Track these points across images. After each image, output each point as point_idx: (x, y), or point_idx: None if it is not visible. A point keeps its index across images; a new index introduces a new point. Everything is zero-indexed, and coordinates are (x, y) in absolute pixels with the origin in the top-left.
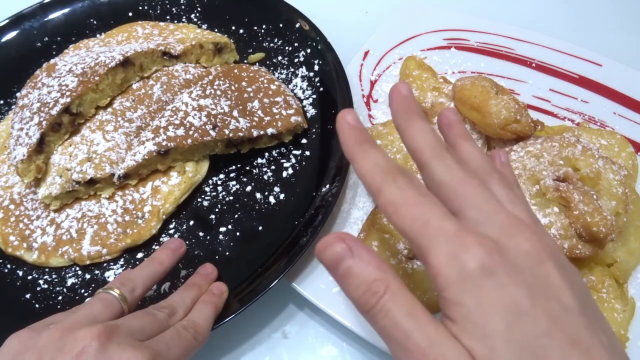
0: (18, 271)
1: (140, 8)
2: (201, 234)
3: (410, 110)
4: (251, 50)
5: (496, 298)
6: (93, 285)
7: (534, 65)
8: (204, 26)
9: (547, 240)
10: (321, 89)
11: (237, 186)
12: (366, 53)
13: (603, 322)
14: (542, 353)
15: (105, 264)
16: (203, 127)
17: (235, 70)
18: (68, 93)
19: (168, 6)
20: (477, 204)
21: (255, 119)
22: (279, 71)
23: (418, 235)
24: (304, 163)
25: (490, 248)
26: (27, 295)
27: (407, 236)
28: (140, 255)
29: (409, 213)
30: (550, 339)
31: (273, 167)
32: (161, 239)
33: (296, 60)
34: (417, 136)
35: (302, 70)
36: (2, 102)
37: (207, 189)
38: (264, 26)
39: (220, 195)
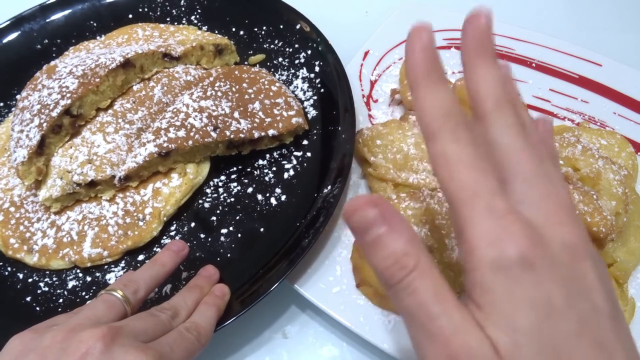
0: (18, 274)
1: (140, 10)
2: (202, 235)
3: (484, 48)
4: (252, 52)
5: (530, 292)
6: (94, 287)
7: (534, 65)
8: (205, 28)
9: (587, 236)
10: (322, 90)
11: (238, 188)
12: (366, 53)
13: (625, 325)
14: (567, 354)
15: (106, 267)
16: (204, 128)
17: (236, 72)
18: (68, 95)
19: (168, 8)
20: (530, 180)
21: (256, 120)
22: (279, 72)
23: (463, 202)
24: (305, 164)
25: (534, 240)
26: (28, 298)
27: (450, 198)
28: (141, 257)
29: (461, 176)
30: (578, 340)
31: (274, 169)
32: (162, 241)
33: (297, 61)
34: (483, 80)
35: (303, 72)
36: (2, 104)
37: (208, 190)
38: (264, 27)
39: (222, 196)
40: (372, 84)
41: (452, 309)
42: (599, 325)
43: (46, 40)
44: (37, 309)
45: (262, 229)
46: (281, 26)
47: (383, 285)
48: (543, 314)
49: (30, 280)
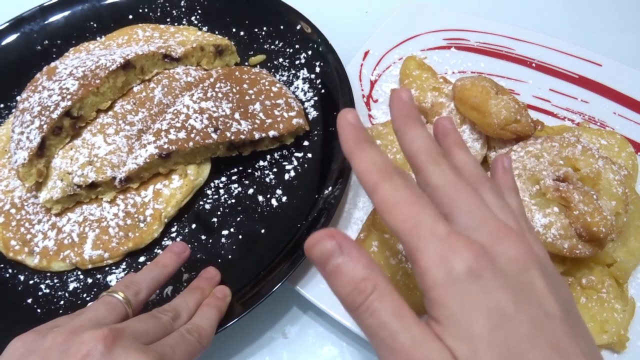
0: (19, 276)
1: (140, 11)
2: (203, 237)
3: (409, 115)
4: (252, 53)
5: (481, 301)
6: (95, 289)
7: (534, 65)
8: (205, 28)
9: (535, 249)
10: (323, 90)
11: (239, 189)
12: (366, 53)
13: (585, 330)
14: (524, 357)
15: (107, 268)
16: (204, 129)
17: (237, 73)
18: (69, 96)
19: (168, 9)
20: (468, 210)
21: (257, 121)
22: (280, 73)
23: (409, 234)
24: (306, 165)
25: (478, 252)
26: (29, 300)
27: (399, 235)
28: (142, 259)
29: (402, 212)
30: (532, 344)
31: (275, 170)
32: (163, 243)
33: (297, 62)
34: (414, 141)
35: (304, 72)
36: (2, 105)
37: (209, 192)
38: (264, 28)
39: (222, 198)
40: (372, 84)
41: (412, 325)
42: (553, 329)
43: (46, 41)
44: (39, 310)
45: (263, 230)
46: (282, 27)
47: (347, 311)
48: (496, 321)
49: (31, 282)
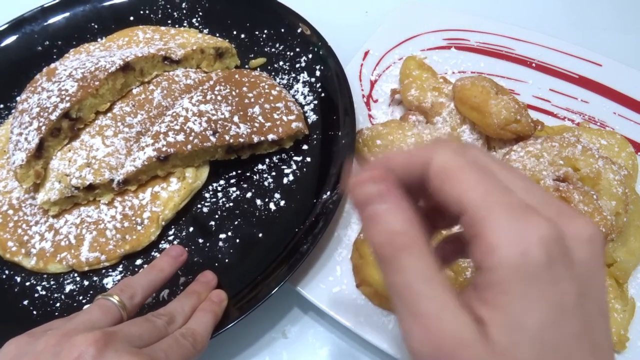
0: (16, 277)
1: (141, 12)
2: (201, 240)
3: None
4: (252, 55)
5: (546, 293)
6: (91, 292)
7: (534, 65)
8: (206, 31)
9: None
10: (323, 94)
11: (237, 192)
12: (366, 53)
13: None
14: (566, 356)
15: (103, 271)
16: (203, 132)
17: (236, 76)
18: (68, 98)
19: (169, 10)
20: (526, 187)
21: (256, 124)
22: (280, 76)
23: (477, 204)
24: (304, 169)
25: (558, 235)
26: (25, 302)
27: (462, 205)
28: (139, 261)
29: (469, 178)
30: (578, 343)
31: (274, 173)
32: (160, 246)
33: (297, 65)
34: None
35: (304, 76)
36: (2, 106)
37: (207, 195)
38: (265, 31)
39: (220, 201)
40: (372, 84)
41: (441, 293)
42: (599, 328)
43: (47, 42)
44: (34, 312)
45: (260, 235)
46: (282, 29)
47: (377, 260)
48: (553, 316)
49: (27, 283)
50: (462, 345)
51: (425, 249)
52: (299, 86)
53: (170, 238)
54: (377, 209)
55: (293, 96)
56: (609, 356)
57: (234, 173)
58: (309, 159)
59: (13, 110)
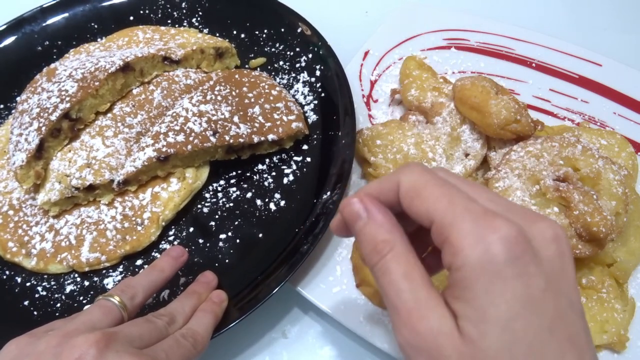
0: (17, 277)
1: (141, 12)
2: (201, 241)
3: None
4: (252, 55)
5: (511, 286)
6: (92, 292)
7: (534, 65)
8: (205, 31)
9: (565, 231)
10: (323, 94)
11: (238, 192)
12: (366, 53)
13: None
14: (539, 348)
15: (104, 271)
16: (203, 133)
17: (236, 76)
18: (68, 98)
19: (169, 10)
20: (490, 198)
21: (256, 124)
22: (280, 76)
23: (442, 213)
24: (305, 169)
25: (517, 232)
26: (26, 302)
27: (430, 217)
28: (139, 262)
29: (434, 192)
30: (552, 335)
31: (274, 174)
32: (160, 246)
33: (298, 65)
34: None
35: (304, 76)
36: (2, 106)
37: (207, 195)
38: (265, 31)
39: (221, 201)
40: (372, 84)
41: (419, 288)
42: (573, 322)
43: (47, 42)
44: (35, 313)
45: (260, 235)
46: (282, 29)
47: (368, 267)
48: (519, 308)
49: (28, 284)
50: (440, 334)
51: (406, 251)
52: (299, 86)
53: (171, 238)
54: (361, 223)
55: (293, 96)
56: (588, 350)
57: (234, 173)
58: (309, 159)
59: (13, 111)
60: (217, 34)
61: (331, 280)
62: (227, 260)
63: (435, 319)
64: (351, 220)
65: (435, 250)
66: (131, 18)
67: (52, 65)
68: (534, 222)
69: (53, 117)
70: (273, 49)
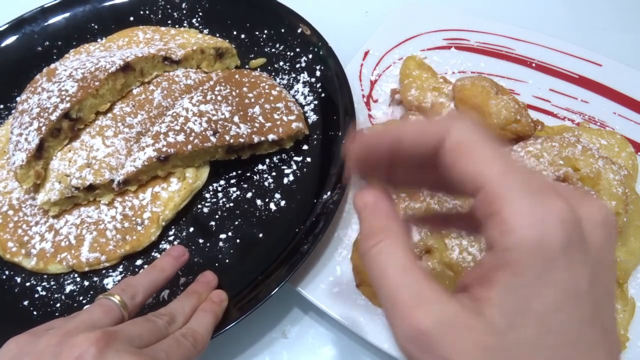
0: (16, 277)
1: (141, 12)
2: (201, 240)
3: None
4: (252, 56)
5: (560, 276)
6: (91, 292)
7: (534, 65)
8: (206, 31)
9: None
10: (323, 94)
11: (238, 192)
12: (366, 53)
13: None
14: (574, 341)
15: (104, 271)
16: (203, 133)
17: (237, 76)
18: (68, 98)
19: (169, 11)
20: (535, 171)
21: (256, 124)
22: (280, 76)
23: (496, 180)
24: (305, 169)
25: (574, 215)
26: (25, 302)
27: (479, 182)
28: (139, 262)
29: (487, 155)
30: (588, 328)
31: (274, 174)
32: (160, 246)
33: (298, 65)
34: None
35: (304, 76)
36: (2, 106)
37: (207, 195)
38: (265, 31)
39: (221, 201)
40: (372, 84)
41: (416, 281)
42: (608, 312)
43: (47, 43)
44: (35, 313)
45: (261, 235)
46: (282, 30)
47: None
48: (563, 300)
49: (27, 284)
50: (451, 328)
51: (403, 240)
52: (299, 86)
53: (171, 238)
54: (365, 212)
55: (293, 96)
56: (617, 340)
57: (234, 173)
58: (309, 159)
59: (13, 111)
60: (217, 35)
61: (331, 280)
62: (227, 260)
63: (444, 312)
64: (359, 209)
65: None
66: (131, 18)
67: (52, 65)
68: (585, 202)
69: (53, 117)
70: (273, 50)
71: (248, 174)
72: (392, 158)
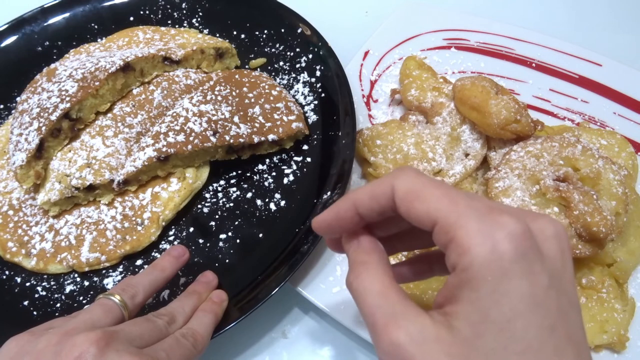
0: (16, 278)
1: (141, 13)
2: (201, 241)
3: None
4: (252, 56)
5: (516, 285)
6: (91, 292)
7: (534, 65)
8: (206, 31)
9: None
10: (323, 94)
11: (238, 192)
12: (366, 53)
13: None
14: (537, 347)
15: (104, 271)
16: (203, 133)
17: (237, 76)
18: (68, 98)
19: (169, 11)
20: (486, 200)
21: (256, 125)
22: (280, 77)
23: (446, 212)
24: (305, 169)
25: (524, 228)
26: (25, 302)
27: (432, 218)
28: (139, 262)
29: (434, 193)
30: (551, 333)
31: (274, 174)
32: (161, 246)
33: (298, 65)
34: None
35: (304, 76)
36: (2, 106)
37: (207, 195)
38: (265, 31)
39: (221, 201)
40: (372, 84)
41: (395, 302)
42: (573, 320)
43: (47, 43)
44: (35, 313)
45: (261, 235)
46: (282, 30)
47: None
48: (523, 307)
49: (27, 284)
50: (425, 342)
51: (378, 273)
52: (299, 86)
53: (171, 238)
54: (348, 251)
55: (293, 96)
56: (586, 347)
57: (234, 173)
58: (309, 159)
59: (13, 111)
60: (217, 35)
61: (331, 280)
62: (227, 260)
63: (416, 327)
64: (345, 250)
65: (422, 258)
66: (131, 18)
67: (52, 66)
68: (535, 219)
69: (53, 117)
70: (273, 50)
71: (248, 174)
72: (361, 223)
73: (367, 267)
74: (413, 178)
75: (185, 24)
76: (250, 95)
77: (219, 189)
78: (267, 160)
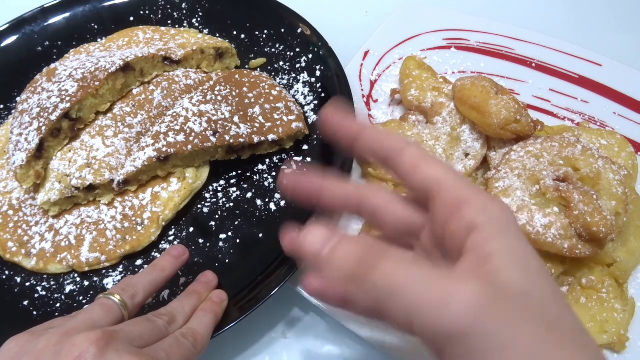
0: (16, 277)
1: (141, 13)
2: (201, 241)
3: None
4: (252, 56)
5: (518, 233)
6: (91, 292)
7: (534, 65)
8: (206, 31)
9: None
10: (323, 94)
11: (238, 192)
12: (366, 53)
13: None
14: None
15: (104, 271)
16: (203, 133)
17: (237, 76)
18: (68, 98)
19: (169, 11)
20: None
21: (256, 125)
22: (280, 77)
23: (454, 184)
24: (305, 170)
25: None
26: (25, 302)
27: (440, 182)
28: (139, 262)
29: (440, 165)
30: (547, 272)
31: (274, 174)
32: (161, 246)
33: (298, 65)
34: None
35: (304, 76)
36: (2, 106)
37: (207, 195)
38: (265, 31)
39: (221, 201)
40: (372, 84)
41: (431, 269)
42: (548, 277)
43: (47, 43)
44: (35, 313)
45: (261, 235)
46: (282, 30)
47: (350, 290)
48: (527, 247)
49: (27, 284)
50: (481, 309)
51: (390, 248)
52: (299, 86)
53: (171, 238)
54: (325, 250)
55: (293, 96)
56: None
57: (234, 173)
58: (309, 159)
59: (13, 111)
60: (217, 35)
61: None
62: (227, 260)
63: (471, 294)
64: (311, 252)
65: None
66: (131, 18)
67: (52, 65)
68: (492, 201)
69: (53, 117)
70: (273, 50)
71: (248, 174)
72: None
73: (378, 250)
74: (422, 150)
75: (185, 24)
76: (250, 95)
77: (219, 189)
78: (267, 160)
